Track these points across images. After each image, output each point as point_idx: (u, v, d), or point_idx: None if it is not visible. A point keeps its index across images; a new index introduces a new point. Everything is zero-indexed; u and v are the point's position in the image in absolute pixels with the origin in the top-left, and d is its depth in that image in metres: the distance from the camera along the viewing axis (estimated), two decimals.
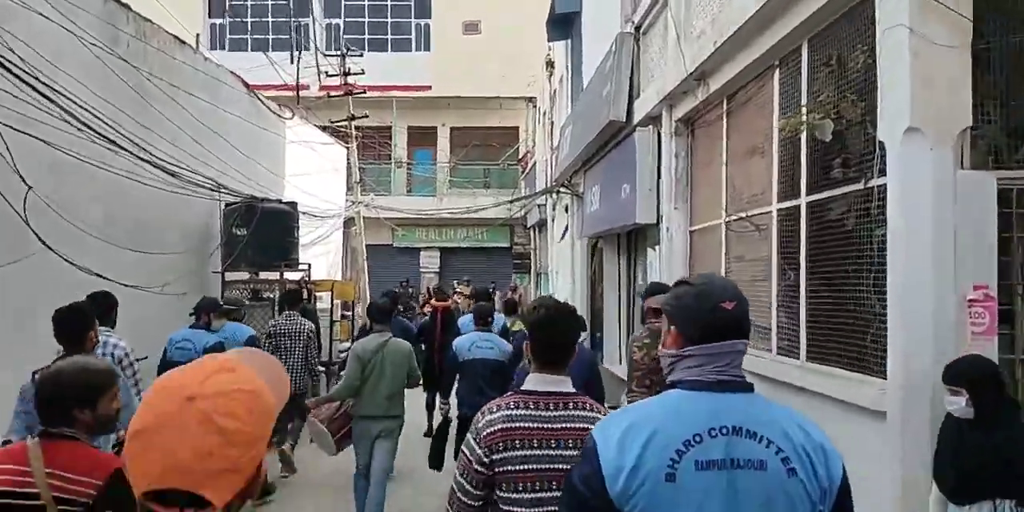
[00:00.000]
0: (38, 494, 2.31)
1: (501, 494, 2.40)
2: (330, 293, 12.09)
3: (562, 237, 14.48)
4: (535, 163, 18.21)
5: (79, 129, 7.45)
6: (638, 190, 7.77)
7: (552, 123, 16.56)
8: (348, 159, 18.00)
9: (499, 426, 2.40)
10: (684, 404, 1.67)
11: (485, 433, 2.40)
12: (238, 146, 11.28)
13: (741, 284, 5.67)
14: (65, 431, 2.46)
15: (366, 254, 19.21)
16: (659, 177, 7.68)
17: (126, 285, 7.61)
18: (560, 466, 2.35)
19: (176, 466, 1.08)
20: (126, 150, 8.07)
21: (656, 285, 5.18)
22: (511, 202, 19.76)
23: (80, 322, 3.92)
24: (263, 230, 10.17)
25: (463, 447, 2.47)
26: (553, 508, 2.22)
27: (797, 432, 1.66)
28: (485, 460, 2.38)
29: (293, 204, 10.90)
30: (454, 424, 6.02)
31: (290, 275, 10.84)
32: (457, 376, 6.22)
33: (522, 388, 2.52)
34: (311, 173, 14.85)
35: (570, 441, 2.39)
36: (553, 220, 16.57)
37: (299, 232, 10.94)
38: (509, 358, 6.01)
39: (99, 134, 7.72)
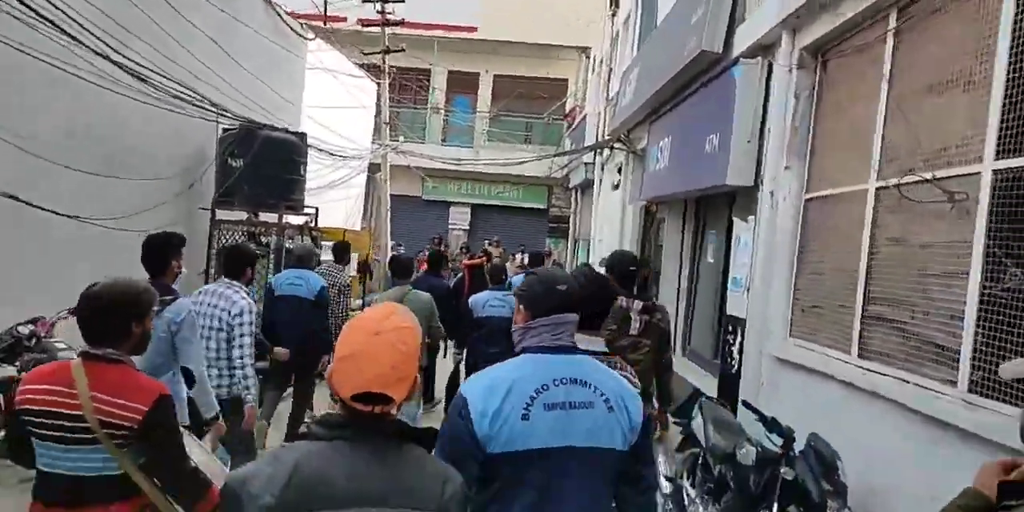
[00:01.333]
0: (83, 416, 2.34)
1: None
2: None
3: (615, 187, 12.66)
4: (584, 117, 16.28)
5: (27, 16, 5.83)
6: (733, 143, 5.95)
7: (610, 71, 14.61)
8: (379, 96, 16.21)
9: None
10: (532, 363, 2.17)
11: None
12: (247, 64, 9.57)
13: (903, 279, 3.94)
14: (111, 354, 2.46)
15: (390, 204, 17.54)
16: (763, 126, 5.85)
17: (83, 220, 6.03)
18: None
19: (374, 377, 1.66)
20: (84, 46, 6.39)
21: (619, 255, 4.90)
22: (556, 156, 17.87)
23: (162, 251, 3.90)
24: (262, 162, 8.53)
25: None
26: None
27: (614, 383, 2.24)
28: None
29: (302, 135, 9.19)
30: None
31: (292, 219, 9.21)
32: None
33: None
34: (334, 107, 13.12)
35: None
36: (600, 181, 14.74)
37: (306, 169, 9.25)
38: None
39: (52, 24, 6.07)
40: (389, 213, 17.22)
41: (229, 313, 4.57)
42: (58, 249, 6.84)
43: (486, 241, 22.87)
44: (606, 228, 14.25)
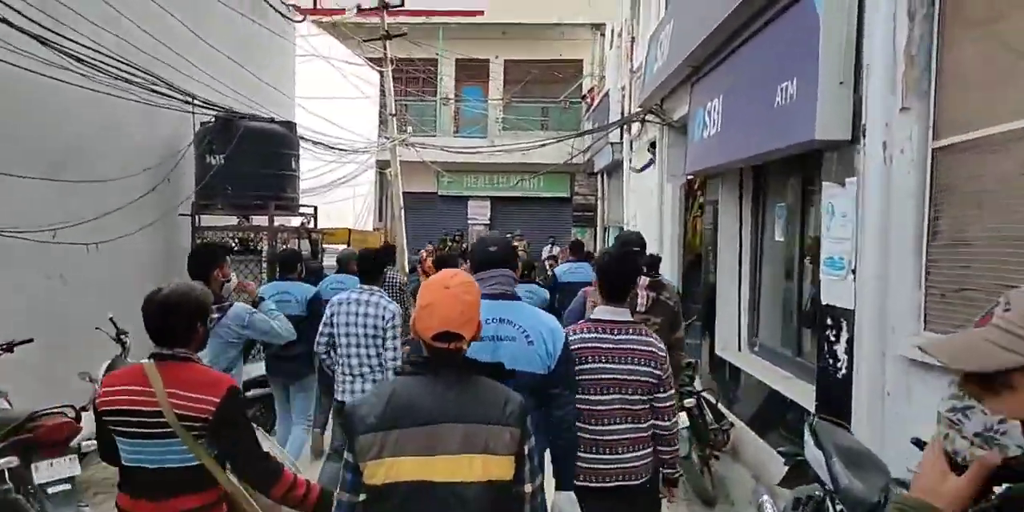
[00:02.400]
0: (161, 412, 2.51)
1: (578, 396, 3.10)
2: (346, 245, 9.28)
3: (642, 169, 11.38)
4: (606, 94, 14.95)
5: None
6: (821, 88, 4.65)
7: (632, 40, 13.29)
8: (383, 86, 15.00)
9: (575, 346, 3.17)
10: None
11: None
12: (225, 48, 8.39)
13: None
14: (180, 352, 2.65)
15: (404, 202, 16.34)
16: (858, 62, 4.55)
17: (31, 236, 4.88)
18: (619, 377, 3.23)
19: (447, 319, 2.12)
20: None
21: (625, 236, 5.16)
22: (579, 135, 16.53)
23: (206, 259, 4.23)
24: (246, 157, 7.38)
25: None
26: (611, 407, 3.23)
27: (535, 322, 3.01)
28: None
29: (289, 124, 7.99)
30: None
31: (285, 221, 8.04)
32: None
33: (592, 318, 3.36)
34: (333, 98, 11.93)
35: (629, 357, 3.24)
36: (630, 161, 13.43)
37: (299, 163, 8.06)
38: (546, 301, 7.55)
39: None
40: (403, 211, 16.02)
41: (383, 319, 4.90)
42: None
43: (507, 234, 21.72)
44: (640, 212, 12.94)
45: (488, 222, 23.14)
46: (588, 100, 20.41)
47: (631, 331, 3.29)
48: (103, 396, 2.60)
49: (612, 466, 3.25)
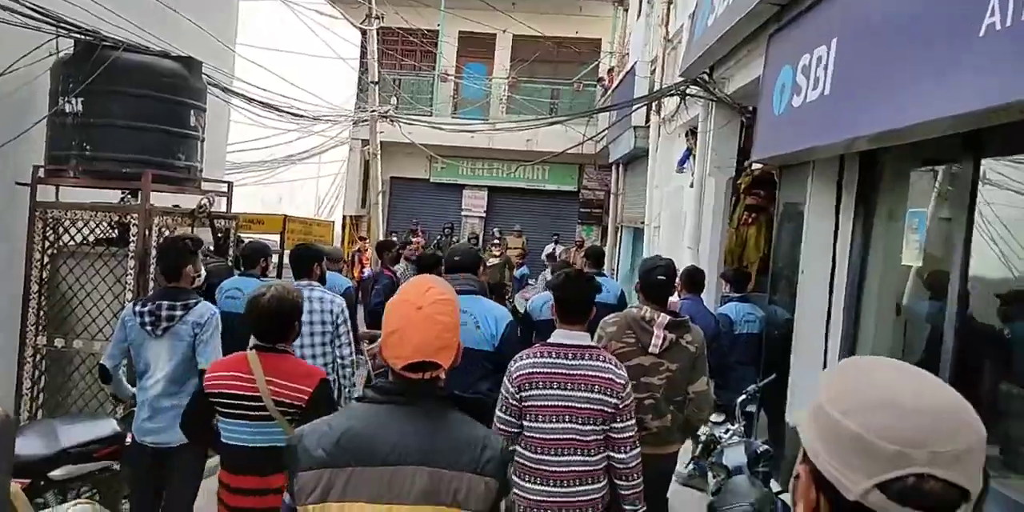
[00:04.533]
0: (260, 397, 2.82)
1: (526, 423, 3.12)
2: (280, 236, 6.89)
3: (680, 167, 9.01)
4: (631, 70, 12.47)
5: None
6: None
7: (669, 4, 10.86)
8: (364, 47, 12.53)
9: (526, 370, 3.12)
10: None
11: (515, 375, 3.13)
12: None
13: None
14: (280, 346, 2.98)
15: (391, 188, 13.93)
16: None
17: None
18: (572, 405, 3.07)
19: (419, 347, 1.76)
20: None
21: (650, 261, 4.23)
22: (597, 112, 14.05)
23: (178, 257, 3.98)
24: (115, 104, 4.99)
25: (502, 388, 3.18)
26: (563, 437, 3.08)
27: (480, 310, 3.86)
28: (517, 396, 3.11)
29: (190, 62, 5.48)
30: None
31: (173, 199, 5.62)
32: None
33: (548, 341, 3.22)
34: (294, 53, 9.49)
35: (583, 385, 3.08)
36: (657, 149, 11.02)
37: (203, 120, 5.61)
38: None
39: None
40: (384, 197, 13.59)
41: (330, 312, 4.65)
42: None
43: (496, 230, 19.41)
44: (667, 213, 10.56)
45: (483, 215, 20.71)
46: (606, 83, 17.95)
47: (588, 356, 3.16)
48: (211, 380, 2.95)
49: (557, 499, 3.11)
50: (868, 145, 4.34)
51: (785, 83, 5.28)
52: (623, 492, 3.16)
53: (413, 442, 1.73)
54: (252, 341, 3.06)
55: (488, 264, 8.49)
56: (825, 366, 4.98)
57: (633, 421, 3.16)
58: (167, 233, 5.28)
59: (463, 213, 20.72)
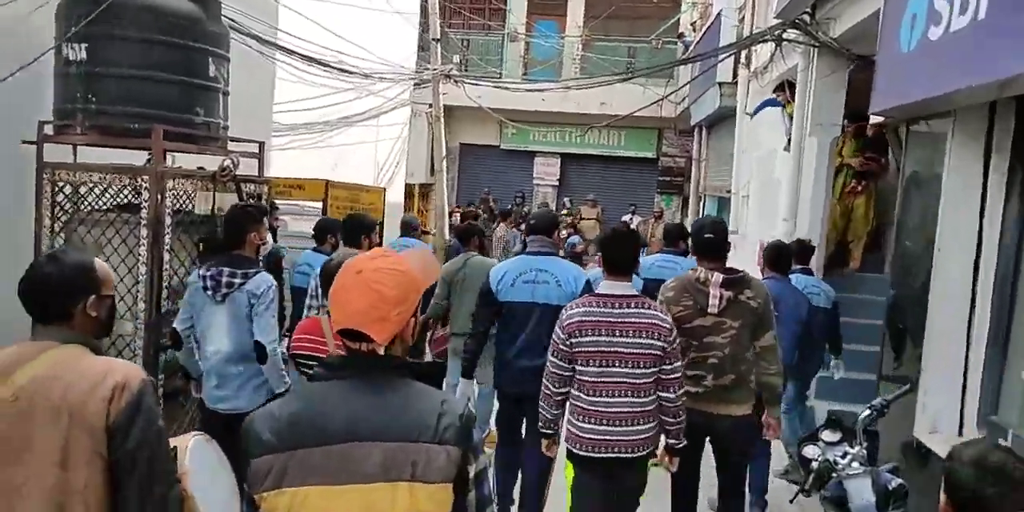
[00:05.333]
0: None
1: (578, 368, 3.37)
2: (322, 203, 6.25)
3: (756, 111, 7.98)
4: (717, 18, 11.32)
5: None
6: None
7: None
8: (425, 1, 11.73)
9: (576, 319, 3.35)
10: (523, 259, 4.33)
11: (566, 323, 3.37)
12: None
13: None
14: None
15: (459, 155, 13.17)
16: None
17: None
18: (619, 350, 3.30)
19: (352, 313, 1.68)
20: None
21: (701, 221, 4.47)
22: (679, 63, 12.93)
23: (243, 223, 4.00)
24: (123, 50, 4.37)
25: (553, 335, 3.44)
26: (612, 380, 3.32)
27: (566, 272, 4.27)
28: (567, 342, 3.35)
29: (205, 1, 4.80)
30: None
31: (194, 161, 4.98)
32: None
33: (596, 292, 3.53)
34: (346, 4, 8.78)
35: (630, 331, 3.31)
36: (745, 109, 9.93)
37: (228, 70, 4.94)
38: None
39: None
40: (448, 164, 12.86)
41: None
42: None
43: (566, 199, 18.53)
44: (756, 180, 9.51)
45: (556, 183, 19.79)
46: (687, 39, 16.67)
47: (633, 305, 3.37)
48: (295, 341, 3.31)
49: (610, 437, 3.32)
50: None
51: (918, 12, 4.23)
52: (669, 428, 3.45)
53: (364, 418, 1.65)
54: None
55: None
56: (967, 370, 4.00)
57: (680, 362, 3.40)
58: (185, 200, 4.66)
59: (535, 182, 19.84)
